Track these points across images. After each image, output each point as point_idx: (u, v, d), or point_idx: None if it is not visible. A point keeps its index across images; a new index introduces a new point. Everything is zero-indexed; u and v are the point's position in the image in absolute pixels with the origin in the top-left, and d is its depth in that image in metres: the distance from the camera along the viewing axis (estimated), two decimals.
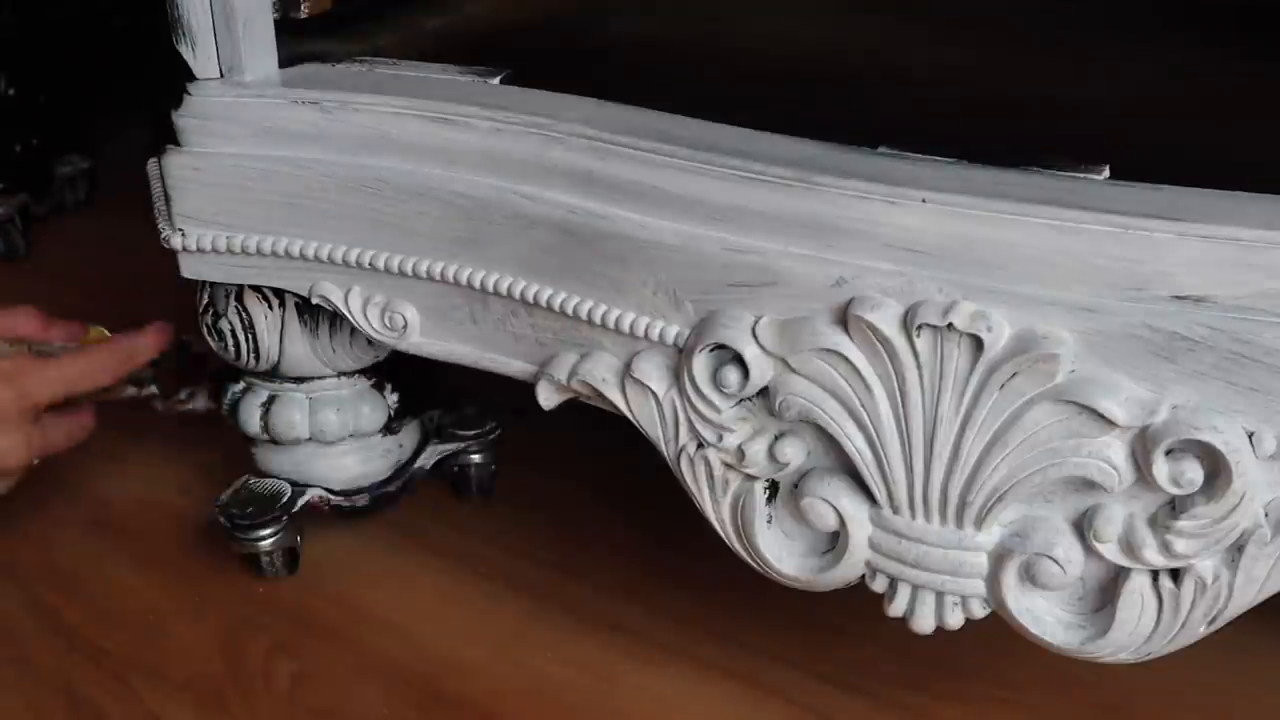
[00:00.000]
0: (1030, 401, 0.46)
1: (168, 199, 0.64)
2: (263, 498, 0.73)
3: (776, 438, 0.53)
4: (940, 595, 0.52)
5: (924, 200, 0.48)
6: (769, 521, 0.55)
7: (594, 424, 0.61)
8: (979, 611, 0.52)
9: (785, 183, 0.50)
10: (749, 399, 0.53)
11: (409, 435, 0.77)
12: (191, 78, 0.62)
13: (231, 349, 0.69)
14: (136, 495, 0.82)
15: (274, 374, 0.71)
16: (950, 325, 0.46)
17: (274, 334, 0.68)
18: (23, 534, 0.79)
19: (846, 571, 0.54)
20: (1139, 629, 0.49)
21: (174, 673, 0.68)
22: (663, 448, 0.56)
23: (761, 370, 0.51)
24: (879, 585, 0.54)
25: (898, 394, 0.49)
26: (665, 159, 0.53)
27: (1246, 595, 0.47)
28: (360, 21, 0.72)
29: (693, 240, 0.52)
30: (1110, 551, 0.48)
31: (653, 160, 0.53)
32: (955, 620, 0.53)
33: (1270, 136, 0.54)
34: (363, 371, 0.72)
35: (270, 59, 0.63)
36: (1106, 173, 0.49)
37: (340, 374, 0.71)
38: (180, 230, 0.64)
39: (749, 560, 0.56)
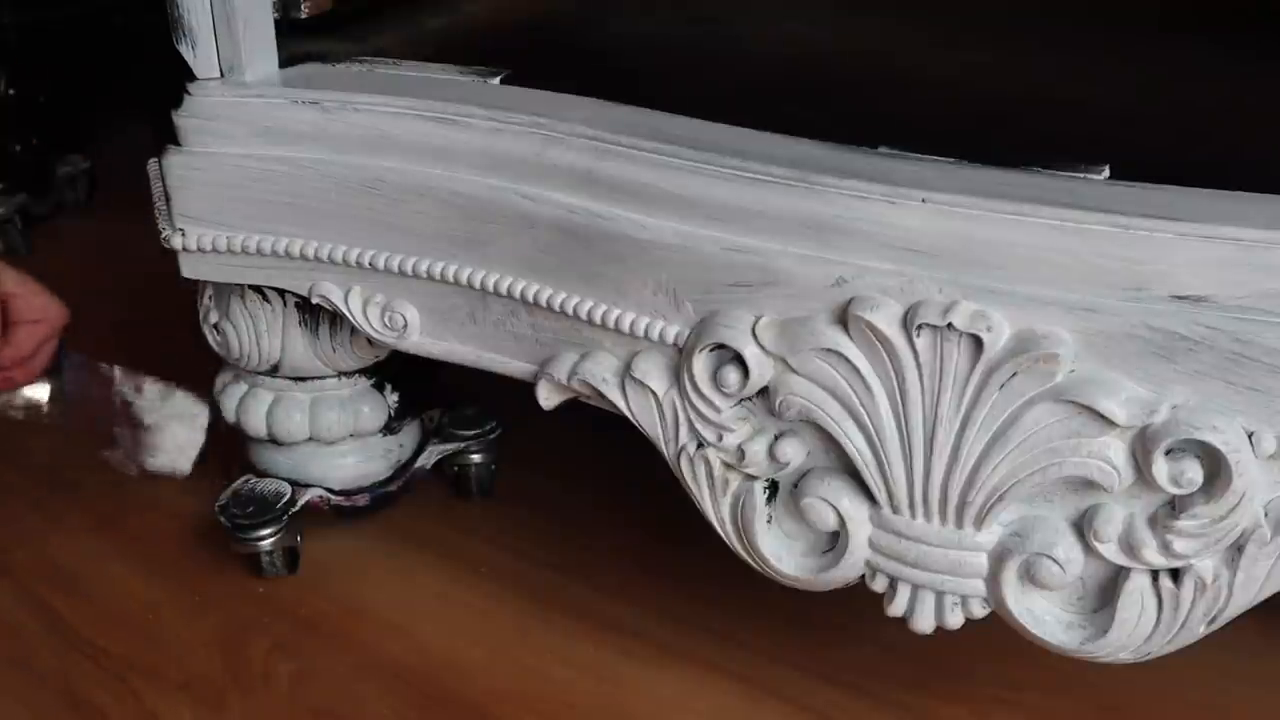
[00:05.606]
0: (1030, 401, 0.46)
1: (168, 199, 0.64)
2: (263, 498, 0.73)
3: (776, 437, 0.53)
4: (940, 595, 0.52)
5: (924, 200, 0.48)
6: (769, 521, 0.55)
7: (594, 424, 0.61)
8: (979, 611, 0.52)
9: (785, 183, 0.50)
10: (749, 399, 0.53)
11: (409, 435, 0.77)
12: (191, 78, 0.62)
13: (233, 349, 0.69)
14: (136, 495, 0.82)
15: (274, 374, 0.71)
16: (950, 325, 0.46)
17: (274, 334, 0.68)
18: (22, 534, 0.79)
19: (846, 571, 0.54)
20: (1139, 629, 0.49)
21: (174, 673, 0.68)
22: (663, 447, 0.56)
23: (761, 370, 0.51)
24: (879, 585, 0.54)
25: (898, 394, 0.49)
26: (665, 159, 0.53)
27: (1246, 595, 0.47)
28: (360, 21, 0.72)
29: (693, 240, 0.52)
30: (1110, 551, 0.48)
31: (653, 160, 0.53)
32: (955, 620, 0.53)
33: (1270, 136, 0.54)
34: (363, 371, 0.72)
35: (270, 59, 0.63)
36: (1106, 173, 0.49)
37: (340, 374, 0.71)
38: (180, 230, 0.64)
39: (749, 560, 0.56)
